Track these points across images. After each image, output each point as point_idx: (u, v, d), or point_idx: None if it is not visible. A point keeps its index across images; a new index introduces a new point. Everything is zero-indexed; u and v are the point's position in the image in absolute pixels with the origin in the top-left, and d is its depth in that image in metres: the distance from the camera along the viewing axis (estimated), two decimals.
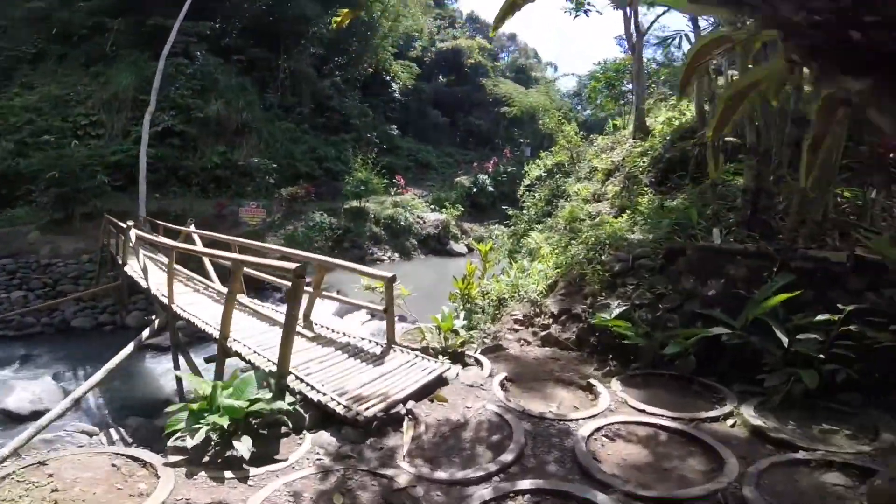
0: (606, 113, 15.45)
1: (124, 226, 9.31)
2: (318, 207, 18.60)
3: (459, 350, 5.21)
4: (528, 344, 5.69)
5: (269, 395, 3.61)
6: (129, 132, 17.85)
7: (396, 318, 5.37)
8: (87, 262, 13.27)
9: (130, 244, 8.60)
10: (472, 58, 37.81)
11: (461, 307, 7.06)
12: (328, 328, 5.64)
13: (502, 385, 4.33)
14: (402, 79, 32.42)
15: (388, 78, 31.97)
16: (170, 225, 11.70)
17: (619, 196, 8.19)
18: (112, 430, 6.04)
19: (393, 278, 5.05)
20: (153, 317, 7.64)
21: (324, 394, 3.87)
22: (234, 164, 19.10)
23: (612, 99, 14.40)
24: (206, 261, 8.04)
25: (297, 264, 4.09)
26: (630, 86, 12.88)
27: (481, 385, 4.37)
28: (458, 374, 4.58)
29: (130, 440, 4.83)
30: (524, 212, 11.48)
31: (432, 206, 21.87)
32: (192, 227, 9.84)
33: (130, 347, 4.96)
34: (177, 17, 16.65)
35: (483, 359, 5.01)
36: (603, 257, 5.92)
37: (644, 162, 8.30)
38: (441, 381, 4.35)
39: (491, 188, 25.20)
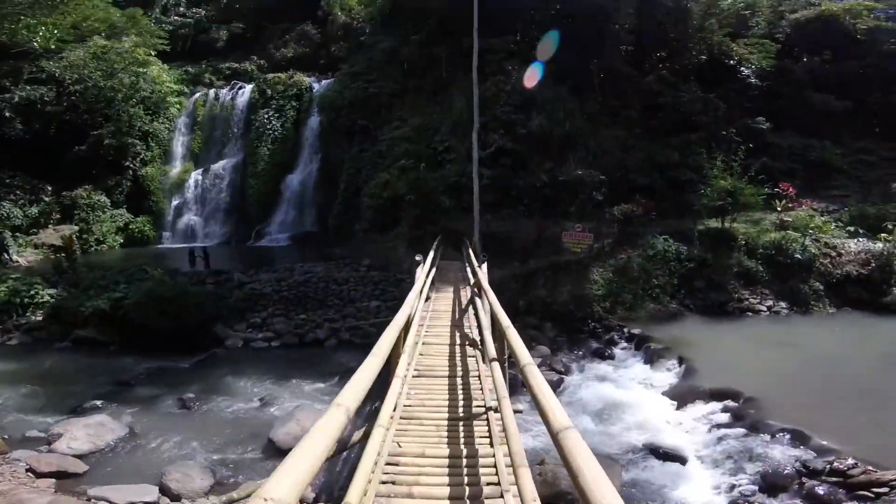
0: None
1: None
2: (661, 229, 14.60)
3: None
4: None
5: None
6: (470, 155, 18.53)
7: None
8: None
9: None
10: (862, 22, 26.98)
11: None
12: None
13: None
14: (752, 61, 25.15)
15: (731, 62, 25.52)
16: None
17: None
18: None
19: None
20: None
21: None
22: (558, 181, 17.39)
23: None
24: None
25: None
26: None
27: None
28: None
29: None
30: None
31: (849, 229, 14.23)
32: (485, 268, 8.51)
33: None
34: (486, 37, 16.71)
35: None
36: None
37: None
38: None
39: None
